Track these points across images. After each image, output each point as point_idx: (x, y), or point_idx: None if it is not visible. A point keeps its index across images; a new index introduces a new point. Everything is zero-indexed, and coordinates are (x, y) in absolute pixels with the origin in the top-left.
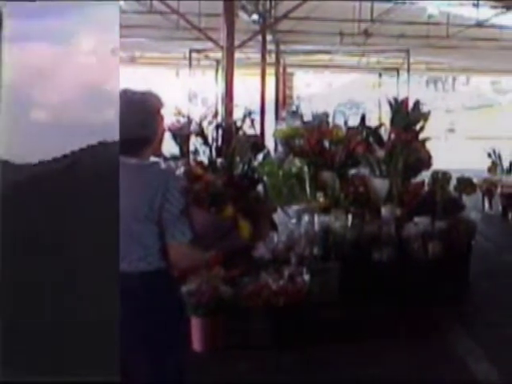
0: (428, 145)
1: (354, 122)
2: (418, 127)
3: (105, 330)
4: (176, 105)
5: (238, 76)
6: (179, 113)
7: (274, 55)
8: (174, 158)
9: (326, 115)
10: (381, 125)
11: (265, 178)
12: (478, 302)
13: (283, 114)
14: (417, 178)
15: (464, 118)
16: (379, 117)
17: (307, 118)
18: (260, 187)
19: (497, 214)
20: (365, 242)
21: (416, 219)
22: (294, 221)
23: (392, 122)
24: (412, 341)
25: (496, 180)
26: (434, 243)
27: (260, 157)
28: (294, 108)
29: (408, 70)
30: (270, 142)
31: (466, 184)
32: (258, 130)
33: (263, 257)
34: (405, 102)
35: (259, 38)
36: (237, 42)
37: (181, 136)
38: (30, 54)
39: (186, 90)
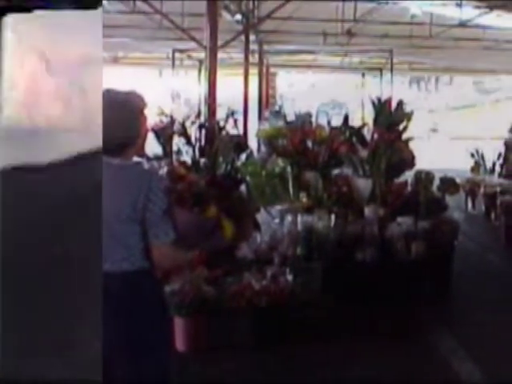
0: (411, 145)
1: (337, 122)
2: (401, 127)
3: (87, 330)
4: (159, 105)
5: (221, 76)
6: (162, 113)
7: (257, 55)
8: (157, 158)
9: (309, 115)
10: (364, 125)
11: (248, 178)
12: (460, 302)
13: (266, 114)
14: (400, 177)
15: (447, 118)
16: (362, 117)
17: (290, 118)
18: (243, 187)
19: (480, 214)
20: (348, 242)
21: (399, 219)
22: (276, 221)
23: (375, 122)
24: (395, 341)
25: (479, 180)
26: (417, 243)
27: (243, 157)
28: (277, 108)
29: (391, 70)
30: (253, 142)
31: (449, 184)
32: (241, 130)
33: (246, 257)
34: (388, 102)
35: (242, 37)
36: (220, 42)
37: (164, 136)
38: None
39: (168, 90)
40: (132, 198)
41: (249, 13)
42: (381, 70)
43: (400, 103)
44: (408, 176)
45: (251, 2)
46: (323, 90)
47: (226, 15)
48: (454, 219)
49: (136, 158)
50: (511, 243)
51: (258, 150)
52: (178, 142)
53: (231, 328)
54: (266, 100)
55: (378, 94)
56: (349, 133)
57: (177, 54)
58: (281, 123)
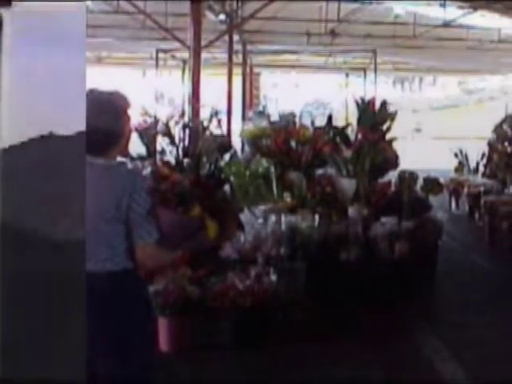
0: (395, 145)
1: (320, 122)
2: (384, 127)
3: (71, 330)
4: (143, 105)
5: (205, 76)
6: (146, 113)
7: (240, 55)
8: (141, 158)
9: (293, 115)
10: (348, 125)
11: (231, 178)
12: (444, 302)
13: (250, 114)
14: (384, 177)
15: (431, 118)
16: (346, 117)
17: (274, 118)
18: (227, 187)
19: (464, 213)
20: (332, 242)
21: (383, 219)
22: (260, 221)
23: (359, 122)
24: (378, 340)
25: (463, 180)
26: (400, 243)
27: (227, 157)
28: (260, 108)
29: (375, 70)
30: (236, 142)
31: (432, 184)
32: (224, 130)
33: (230, 257)
34: (372, 102)
35: (226, 38)
36: (204, 42)
37: (147, 136)
38: None
39: (152, 90)
40: (116, 198)
41: (232, 13)
42: (364, 70)
43: (384, 103)
44: (392, 176)
45: (235, 2)
46: (307, 90)
47: (209, 15)
48: (438, 219)
49: (120, 158)
50: (495, 243)
51: (242, 150)
52: (161, 142)
53: (215, 328)
54: (250, 100)
55: (362, 94)
56: (332, 133)
57: (160, 54)
58: (265, 123)
